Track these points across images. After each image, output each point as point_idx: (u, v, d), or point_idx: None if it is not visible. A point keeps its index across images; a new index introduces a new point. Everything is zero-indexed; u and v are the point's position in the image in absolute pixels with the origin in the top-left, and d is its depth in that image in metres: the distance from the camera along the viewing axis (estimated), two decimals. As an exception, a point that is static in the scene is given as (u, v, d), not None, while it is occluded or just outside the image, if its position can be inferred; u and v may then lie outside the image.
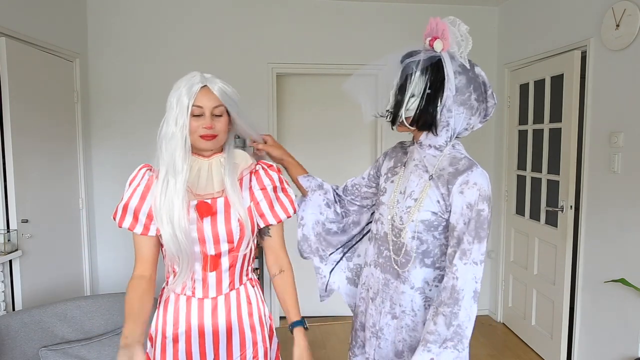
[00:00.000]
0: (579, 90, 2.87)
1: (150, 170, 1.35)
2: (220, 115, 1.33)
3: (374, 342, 1.36)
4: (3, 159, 2.48)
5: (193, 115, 1.29)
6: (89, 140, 3.42)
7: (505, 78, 3.71)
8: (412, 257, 1.26)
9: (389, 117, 1.29)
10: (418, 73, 1.20)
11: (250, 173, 1.41)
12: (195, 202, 1.30)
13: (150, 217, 1.30)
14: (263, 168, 1.43)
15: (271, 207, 1.38)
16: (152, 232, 1.30)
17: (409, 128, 1.28)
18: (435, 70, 1.21)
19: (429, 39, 1.24)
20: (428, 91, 1.20)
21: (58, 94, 3.03)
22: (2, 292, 2.44)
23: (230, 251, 1.34)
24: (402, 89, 1.24)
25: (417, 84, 1.21)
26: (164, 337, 1.38)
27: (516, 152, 3.61)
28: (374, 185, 1.52)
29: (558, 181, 3.08)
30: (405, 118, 1.24)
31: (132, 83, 3.48)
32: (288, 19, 3.62)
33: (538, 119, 3.34)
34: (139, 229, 1.30)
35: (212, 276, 1.35)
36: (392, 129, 1.32)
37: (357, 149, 3.93)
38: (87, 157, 3.39)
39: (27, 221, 2.60)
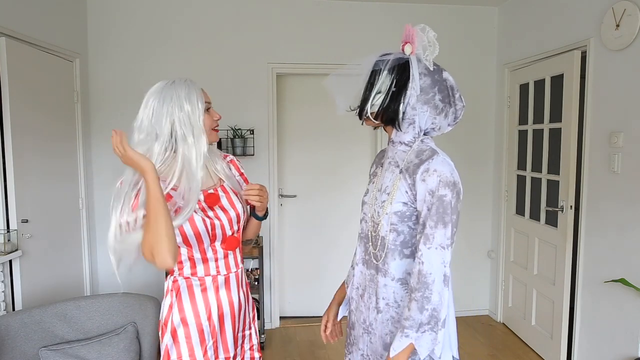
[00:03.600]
0: (579, 90, 2.87)
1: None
2: None
3: (366, 338, 1.41)
4: (3, 158, 2.48)
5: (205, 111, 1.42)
6: (88, 140, 3.42)
7: (505, 78, 3.71)
8: (390, 250, 1.32)
9: (356, 111, 1.40)
10: (385, 72, 1.32)
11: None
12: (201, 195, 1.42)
13: None
14: (232, 160, 1.62)
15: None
16: None
17: (373, 122, 1.38)
18: (401, 70, 1.31)
19: (402, 43, 1.36)
20: (393, 89, 1.31)
21: (58, 94, 3.03)
22: (2, 292, 2.44)
23: (238, 230, 1.50)
24: (370, 86, 1.35)
25: (384, 82, 1.32)
26: (199, 326, 1.41)
27: (516, 152, 3.61)
28: None
29: (558, 181, 3.08)
30: (371, 113, 1.35)
31: (132, 83, 3.49)
32: (288, 19, 3.62)
33: (538, 119, 3.34)
34: None
35: (230, 254, 1.48)
36: (362, 123, 1.43)
37: (357, 148, 3.94)
38: (87, 157, 3.39)
39: (27, 221, 2.60)
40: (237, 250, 1.50)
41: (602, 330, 2.68)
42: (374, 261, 1.37)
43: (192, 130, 1.35)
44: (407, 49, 1.33)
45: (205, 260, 1.42)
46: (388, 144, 1.44)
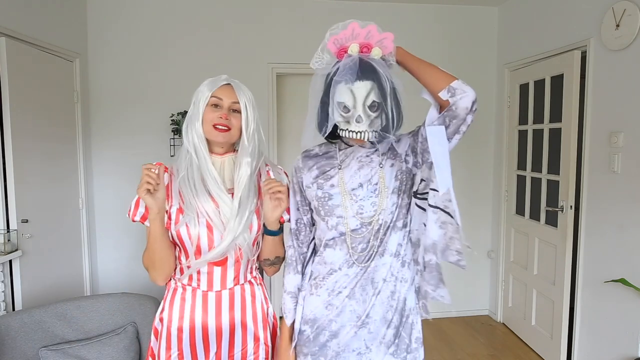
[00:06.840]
0: (579, 90, 2.87)
1: (165, 169, 1.39)
2: (238, 112, 1.39)
3: (361, 333, 1.34)
4: (3, 158, 2.48)
5: (211, 105, 1.36)
6: (88, 140, 3.42)
7: (505, 78, 3.71)
8: (389, 228, 1.32)
9: (375, 138, 1.30)
10: (388, 103, 1.27)
11: (259, 172, 1.46)
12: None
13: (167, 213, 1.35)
14: (268, 172, 1.48)
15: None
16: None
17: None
18: (392, 93, 1.28)
19: (360, 45, 1.34)
20: (394, 109, 1.28)
21: (58, 94, 3.03)
22: (2, 292, 2.44)
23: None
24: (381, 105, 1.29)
25: (391, 110, 1.28)
26: (168, 331, 1.41)
27: (516, 152, 3.61)
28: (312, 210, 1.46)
29: (558, 181, 3.08)
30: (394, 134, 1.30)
31: (132, 83, 3.48)
32: (288, 19, 3.62)
33: (538, 119, 3.34)
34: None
35: (217, 270, 1.39)
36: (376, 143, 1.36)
37: (357, 149, 3.93)
38: (87, 157, 3.39)
39: (27, 221, 2.60)
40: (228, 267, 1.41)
41: (602, 330, 2.68)
42: (369, 251, 1.31)
43: (188, 122, 1.37)
44: (376, 52, 1.32)
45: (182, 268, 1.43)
46: (349, 147, 1.41)
